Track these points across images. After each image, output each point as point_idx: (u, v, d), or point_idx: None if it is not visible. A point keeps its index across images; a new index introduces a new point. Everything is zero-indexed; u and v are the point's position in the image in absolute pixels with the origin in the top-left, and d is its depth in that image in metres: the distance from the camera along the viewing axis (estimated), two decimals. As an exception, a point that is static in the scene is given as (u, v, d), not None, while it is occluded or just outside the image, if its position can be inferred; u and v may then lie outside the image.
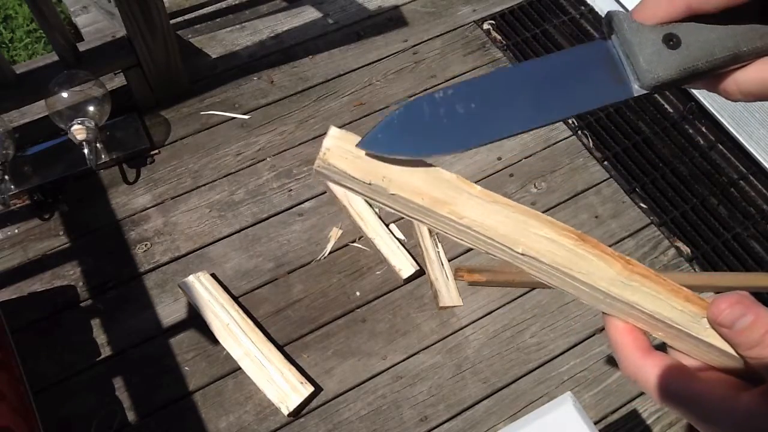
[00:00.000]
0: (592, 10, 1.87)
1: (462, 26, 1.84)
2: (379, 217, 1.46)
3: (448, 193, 0.31)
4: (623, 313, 0.31)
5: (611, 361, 1.33)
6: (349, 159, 0.31)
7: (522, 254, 0.31)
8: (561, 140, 1.63)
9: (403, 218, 1.59)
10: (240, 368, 1.27)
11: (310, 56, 1.77)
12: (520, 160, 1.59)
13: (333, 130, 0.32)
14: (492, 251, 0.32)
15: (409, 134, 0.31)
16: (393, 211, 0.32)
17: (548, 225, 0.31)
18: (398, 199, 0.31)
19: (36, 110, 1.57)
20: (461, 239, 0.32)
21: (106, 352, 1.31)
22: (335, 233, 1.46)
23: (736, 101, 0.31)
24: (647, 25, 0.30)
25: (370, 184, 0.31)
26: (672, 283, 0.31)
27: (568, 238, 0.31)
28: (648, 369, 0.30)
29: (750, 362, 0.28)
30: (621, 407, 1.29)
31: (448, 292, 1.38)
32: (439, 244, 1.44)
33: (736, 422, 0.27)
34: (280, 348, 1.31)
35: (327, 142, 0.31)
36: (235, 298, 1.37)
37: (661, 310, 0.30)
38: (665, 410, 1.29)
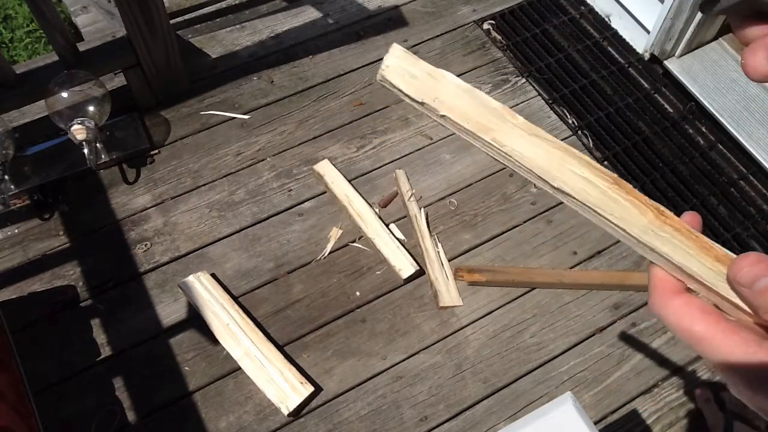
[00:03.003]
0: (592, 10, 1.87)
1: (462, 26, 1.84)
2: (379, 217, 1.46)
3: (493, 120, 0.33)
4: (658, 260, 0.32)
5: (611, 361, 1.33)
6: (405, 78, 0.33)
7: (557, 188, 0.32)
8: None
9: (403, 218, 1.57)
10: (240, 368, 1.27)
11: (310, 56, 1.77)
12: (520, 160, 1.59)
13: (395, 49, 0.33)
14: (531, 179, 0.34)
15: None
16: (444, 126, 0.34)
17: (585, 165, 0.33)
18: (447, 120, 0.33)
19: (36, 110, 1.57)
20: (505, 164, 0.34)
21: (106, 352, 1.31)
22: (335, 233, 1.46)
23: None
24: None
25: (422, 103, 0.33)
26: (704, 240, 0.31)
27: (604, 180, 0.32)
28: (671, 307, 0.30)
29: None
30: (621, 407, 1.29)
31: (448, 292, 1.38)
32: (439, 244, 1.44)
33: (753, 366, 0.27)
34: (280, 348, 1.31)
35: (387, 59, 0.33)
36: (235, 298, 1.37)
37: (690, 264, 0.31)
38: (665, 410, 1.29)
